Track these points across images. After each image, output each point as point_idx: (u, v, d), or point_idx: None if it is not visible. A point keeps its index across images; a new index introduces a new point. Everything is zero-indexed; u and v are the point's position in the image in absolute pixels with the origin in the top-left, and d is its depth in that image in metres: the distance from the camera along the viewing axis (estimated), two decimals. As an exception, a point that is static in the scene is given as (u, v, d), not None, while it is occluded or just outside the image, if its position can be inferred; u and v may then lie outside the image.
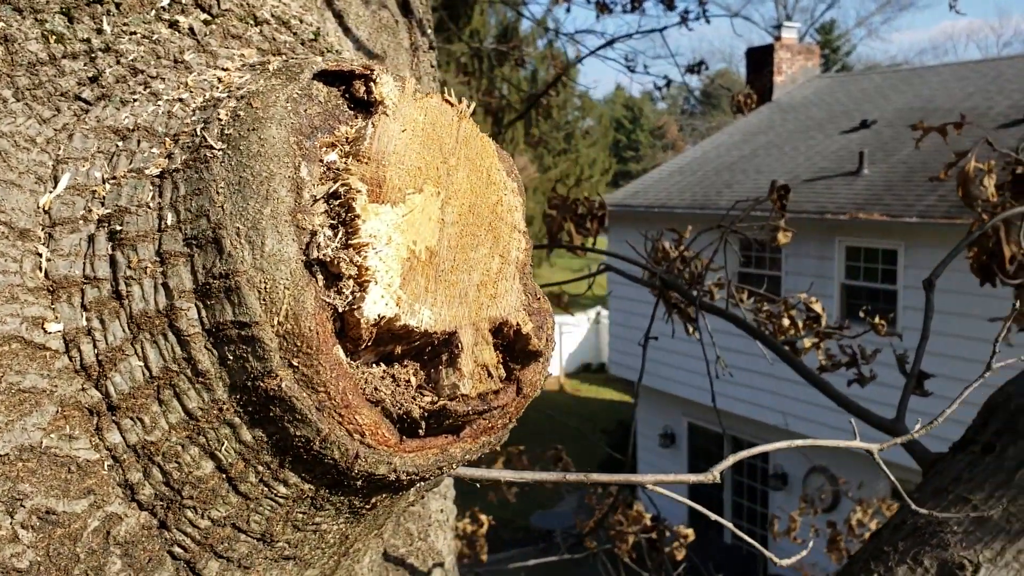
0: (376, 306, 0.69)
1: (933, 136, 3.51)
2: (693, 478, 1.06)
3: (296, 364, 0.69)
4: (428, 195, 0.77)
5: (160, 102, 0.79)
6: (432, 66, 1.41)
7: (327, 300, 0.70)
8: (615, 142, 50.36)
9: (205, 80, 0.82)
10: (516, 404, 0.83)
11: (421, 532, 1.32)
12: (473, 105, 0.86)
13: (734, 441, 16.84)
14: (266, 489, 0.74)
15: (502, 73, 20.67)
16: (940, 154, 11.42)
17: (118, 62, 0.79)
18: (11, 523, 0.65)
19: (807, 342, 2.90)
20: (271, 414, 0.70)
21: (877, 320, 2.86)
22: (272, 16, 0.93)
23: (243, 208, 0.70)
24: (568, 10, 8.96)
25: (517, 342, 0.81)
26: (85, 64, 0.77)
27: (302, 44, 0.96)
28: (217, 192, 0.70)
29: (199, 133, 0.75)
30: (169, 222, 0.71)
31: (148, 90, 0.80)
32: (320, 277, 0.70)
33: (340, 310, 0.70)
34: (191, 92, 0.81)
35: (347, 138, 0.76)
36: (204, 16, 0.87)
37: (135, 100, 0.79)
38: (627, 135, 54.87)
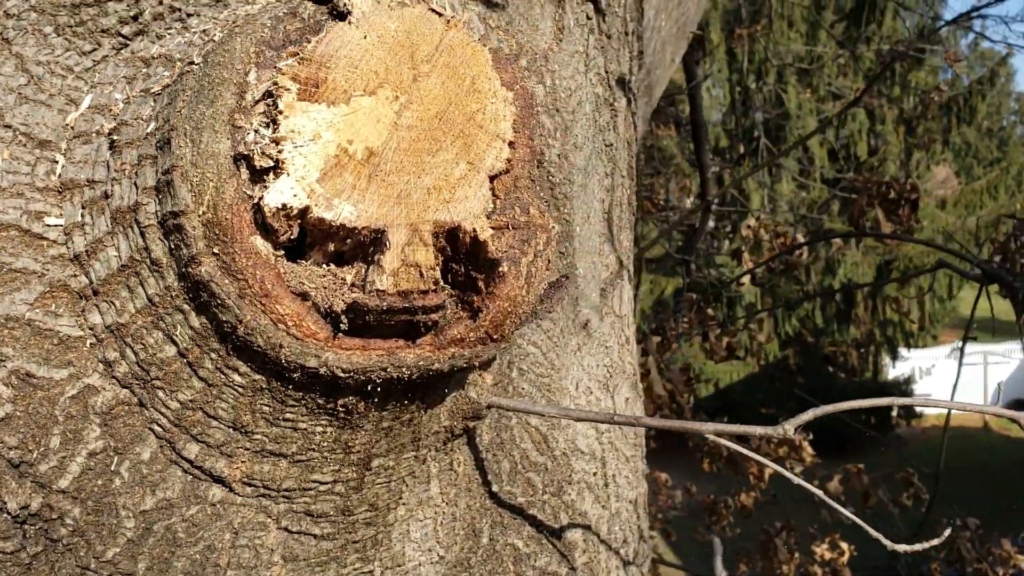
0: (281, 195, 0.72)
1: None
2: (760, 430, 0.92)
3: (216, 252, 0.73)
4: (381, 99, 0.78)
5: (187, 34, 0.89)
6: (588, 17, 1.38)
7: (247, 193, 0.74)
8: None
9: (235, 15, 0.90)
10: (492, 316, 0.80)
11: (550, 485, 1.28)
12: (467, 15, 0.84)
13: None
14: (223, 376, 0.79)
15: (917, 78, 19.08)
16: None
17: (160, 2, 0.90)
18: (-9, 379, 0.77)
19: None
20: (203, 300, 0.75)
21: None
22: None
23: (193, 111, 0.76)
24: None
25: (476, 251, 0.78)
26: (128, 5, 0.89)
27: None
28: (182, 100, 0.77)
29: (197, 55, 0.83)
30: (150, 129, 0.80)
31: (182, 25, 0.90)
32: (246, 171, 0.74)
33: (255, 200, 0.73)
34: (216, 24, 0.89)
35: (311, 48, 0.79)
36: (255, -41, 0.95)
37: (168, 34, 0.90)
38: (1083, 140, 47.58)
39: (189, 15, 0.91)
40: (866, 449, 14.79)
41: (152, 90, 0.84)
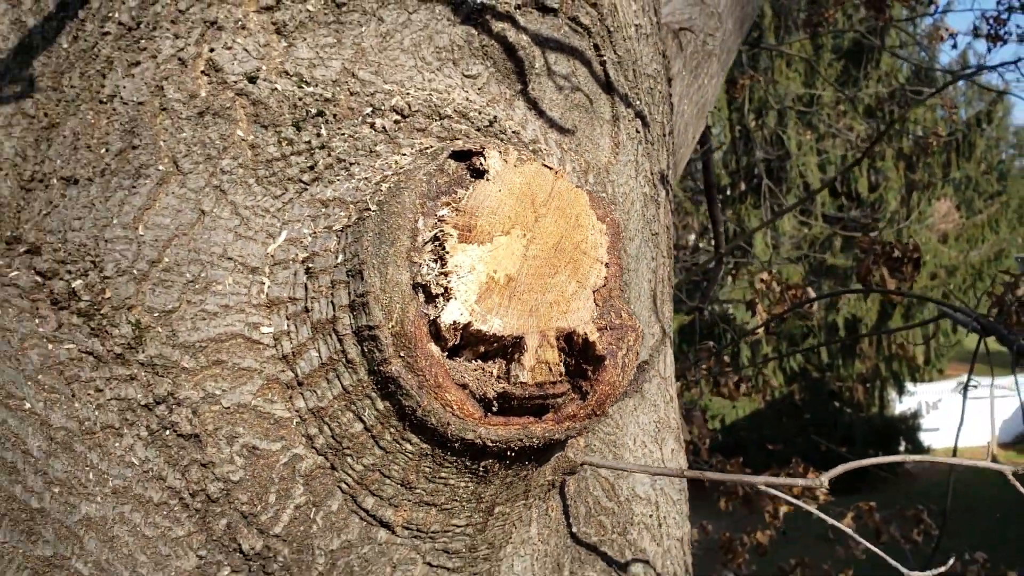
0: (451, 314, 0.98)
1: None
2: (801, 482, 1.17)
3: (403, 355, 1.00)
4: (514, 236, 1.05)
5: (352, 180, 1.16)
6: (637, 131, 1.65)
7: (424, 312, 1.00)
8: (1064, 181, 44.39)
9: (386, 163, 1.17)
10: (599, 397, 1.06)
11: (617, 527, 1.54)
12: (568, 167, 1.11)
13: None
14: (398, 445, 1.05)
15: (916, 115, 19.41)
16: None
17: (328, 155, 1.17)
18: (229, 452, 1.03)
19: None
20: (390, 390, 1.01)
21: None
22: (454, 111, 1.27)
23: (378, 249, 1.02)
24: (955, 46, 8.44)
25: (586, 349, 1.05)
26: (305, 158, 1.16)
27: (476, 130, 1.28)
28: (366, 239, 1.04)
29: (369, 200, 1.10)
30: (339, 260, 1.07)
31: (347, 173, 1.17)
32: (422, 296, 1.01)
33: (432, 318, 0.99)
34: (374, 172, 1.16)
35: (460, 198, 1.06)
36: (396, 116, 1.23)
37: (337, 180, 1.17)
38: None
39: (352, 164, 1.18)
40: (877, 486, 14.92)
41: (334, 228, 1.11)
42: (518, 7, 1.44)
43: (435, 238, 1.02)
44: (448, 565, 1.19)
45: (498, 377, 1.02)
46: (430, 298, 1.01)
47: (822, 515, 1.48)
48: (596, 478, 1.49)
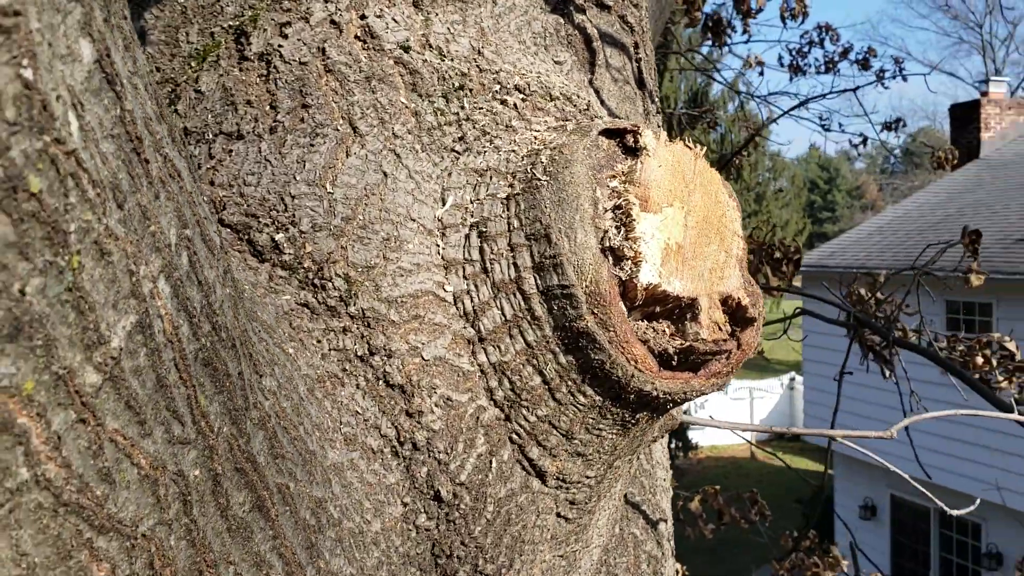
0: (647, 276, 1.08)
1: None
2: (873, 434, 1.36)
3: (596, 312, 1.08)
4: (676, 208, 1.16)
5: (501, 152, 1.23)
6: (659, 126, 1.80)
7: (615, 273, 1.09)
8: (810, 203, 49.12)
9: (526, 138, 1.25)
10: (737, 356, 1.19)
11: (651, 488, 1.67)
12: (704, 149, 1.24)
13: (941, 515, 15.95)
14: (572, 398, 1.14)
15: (692, 135, 20.85)
16: None
17: (474, 127, 1.23)
18: (430, 402, 1.07)
19: (1001, 378, 3.04)
20: (580, 344, 1.10)
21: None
22: (561, 94, 1.36)
23: (562, 216, 1.10)
24: (761, 73, 9.23)
25: (738, 311, 1.18)
26: (455, 128, 1.22)
27: (580, 112, 1.38)
28: (545, 206, 1.12)
29: (530, 171, 1.17)
30: (515, 225, 1.14)
31: (492, 145, 1.24)
32: (610, 259, 1.10)
33: (623, 279, 1.09)
34: (519, 146, 1.24)
35: (623, 172, 1.16)
36: (520, 95, 1.30)
37: (485, 151, 1.23)
38: (823, 195, 53.48)
39: (495, 137, 1.24)
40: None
41: (498, 196, 1.17)
42: (587, 1, 1.55)
43: (617, 207, 1.12)
44: (568, 515, 1.28)
45: (671, 335, 1.13)
46: (616, 261, 1.10)
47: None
48: (640, 442, 1.61)
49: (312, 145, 1.12)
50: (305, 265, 1.05)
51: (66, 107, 0.46)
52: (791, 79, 7.89)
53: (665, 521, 1.75)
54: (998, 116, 19.39)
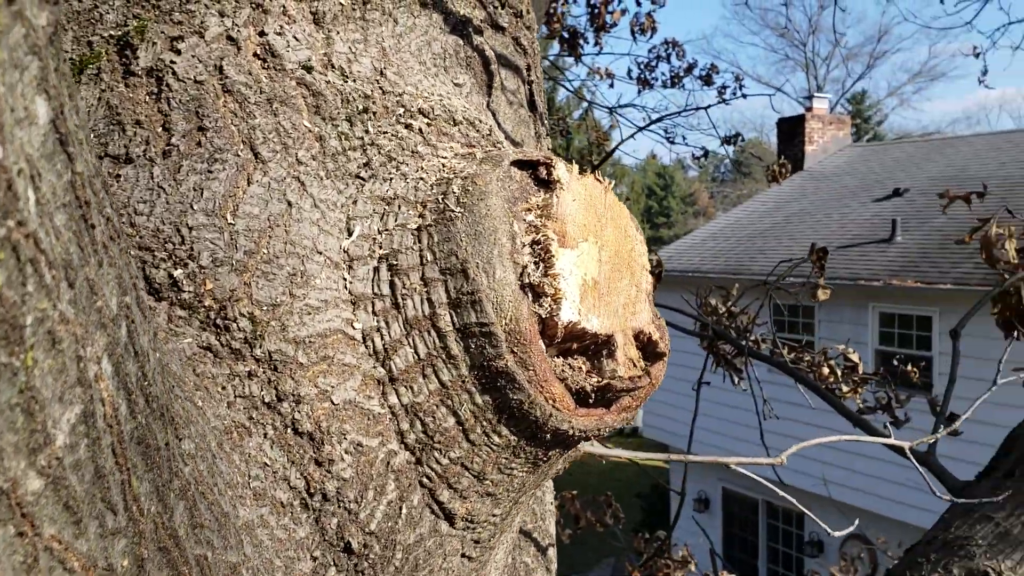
0: (567, 314, 1.06)
1: (966, 204, 3.85)
2: (765, 461, 1.39)
3: (516, 351, 1.05)
4: (591, 243, 1.14)
5: (408, 180, 1.17)
6: (549, 148, 1.79)
7: (535, 310, 1.06)
8: (647, 208, 50.93)
9: (433, 165, 1.20)
10: (646, 390, 1.18)
11: (541, 515, 1.66)
12: (613, 183, 1.23)
13: (768, 507, 16.87)
14: (487, 438, 1.10)
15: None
16: (975, 222, 11.71)
17: (379, 152, 1.17)
18: (340, 449, 1.01)
19: (845, 389, 3.22)
20: (497, 384, 1.06)
21: (910, 368, 3.18)
22: (464, 118, 1.32)
23: (479, 250, 1.06)
24: (611, 85, 9.46)
25: (648, 346, 1.17)
26: (360, 154, 1.16)
27: (484, 137, 1.34)
28: (461, 239, 1.07)
29: (442, 201, 1.12)
30: (428, 259, 1.09)
31: (399, 171, 1.18)
32: (529, 295, 1.07)
33: (543, 317, 1.06)
34: (427, 173, 1.19)
35: (538, 205, 1.13)
36: (425, 119, 1.25)
37: (392, 178, 1.17)
38: (659, 202, 55.50)
39: (401, 163, 1.19)
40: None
41: (409, 226, 1.12)
42: (483, 22, 1.52)
43: (535, 242, 1.09)
44: (472, 555, 1.24)
45: (587, 372, 1.11)
46: (536, 297, 1.07)
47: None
48: (532, 469, 1.59)
49: (211, 171, 1.03)
50: (206, 304, 0.97)
51: (26, 182, 0.38)
52: (639, 92, 8.12)
53: (553, 546, 1.74)
54: (820, 130, 20.69)
